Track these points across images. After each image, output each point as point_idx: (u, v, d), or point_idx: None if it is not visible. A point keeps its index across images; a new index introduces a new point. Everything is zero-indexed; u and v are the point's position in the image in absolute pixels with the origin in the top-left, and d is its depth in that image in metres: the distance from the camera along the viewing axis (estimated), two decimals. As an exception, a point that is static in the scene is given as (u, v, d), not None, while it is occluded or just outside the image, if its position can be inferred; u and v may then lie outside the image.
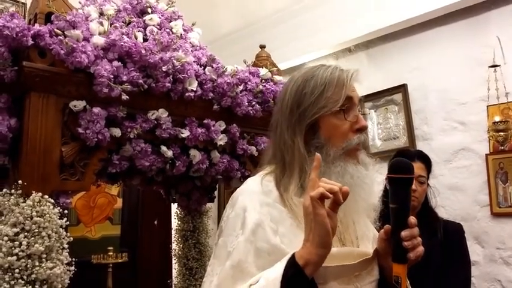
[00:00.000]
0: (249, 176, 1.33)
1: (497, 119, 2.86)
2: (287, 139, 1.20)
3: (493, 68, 2.94)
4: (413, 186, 1.88)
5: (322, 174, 1.12)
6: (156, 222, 4.78)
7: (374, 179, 1.21)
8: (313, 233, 0.98)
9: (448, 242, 2.16)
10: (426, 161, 2.29)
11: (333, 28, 3.76)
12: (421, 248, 1.05)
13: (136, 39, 1.73)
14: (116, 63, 1.62)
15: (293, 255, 1.02)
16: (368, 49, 3.76)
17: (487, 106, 3.00)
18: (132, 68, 1.66)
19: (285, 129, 1.21)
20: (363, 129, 1.20)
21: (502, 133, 2.81)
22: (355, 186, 1.12)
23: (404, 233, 1.04)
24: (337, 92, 1.18)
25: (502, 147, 2.91)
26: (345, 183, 1.10)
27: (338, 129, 1.18)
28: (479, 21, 3.13)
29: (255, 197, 1.16)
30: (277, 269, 1.01)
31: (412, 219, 1.05)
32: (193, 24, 2.12)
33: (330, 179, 1.08)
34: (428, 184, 2.28)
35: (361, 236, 1.23)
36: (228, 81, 1.91)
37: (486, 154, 3.01)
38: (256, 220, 1.11)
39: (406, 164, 1.09)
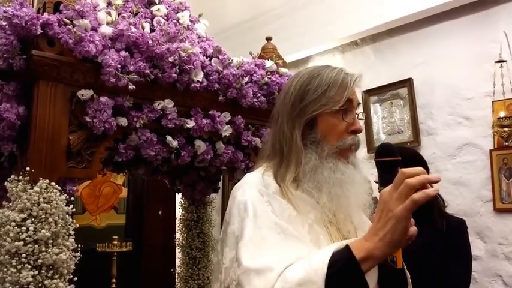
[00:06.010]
0: (253, 167, 1.35)
1: (502, 114, 2.86)
2: (286, 131, 1.25)
3: (499, 64, 2.93)
4: None
5: (315, 167, 1.20)
6: (160, 212, 4.82)
7: (364, 177, 1.26)
8: (391, 231, 0.98)
9: (450, 236, 2.17)
10: (422, 164, 2.24)
11: (339, 21, 3.76)
12: (413, 229, 1.06)
13: (143, 29, 1.74)
14: (123, 53, 1.64)
15: (346, 246, 1.02)
16: (374, 43, 3.75)
17: (493, 102, 2.99)
18: (139, 58, 1.68)
19: (285, 121, 1.27)
20: (357, 132, 1.26)
21: (506, 129, 2.81)
22: (345, 183, 1.19)
23: None
24: (339, 93, 1.23)
25: (507, 143, 2.91)
26: (336, 178, 1.17)
27: (335, 128, 1.24)
28: (487, 16, 3.11)
29: (255, 188, 1.19)
30: (323, 255, 1.01)
31: None
32: (200, 16, 2.13)
33: (322, 173, 1.17)
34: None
35: (358, 226, 1.27)
36: (234, 72, 1.92)
37: (490, 150, 3.01)
38: (257, 206, 1.14)
39: (391, 147, 1.12)
